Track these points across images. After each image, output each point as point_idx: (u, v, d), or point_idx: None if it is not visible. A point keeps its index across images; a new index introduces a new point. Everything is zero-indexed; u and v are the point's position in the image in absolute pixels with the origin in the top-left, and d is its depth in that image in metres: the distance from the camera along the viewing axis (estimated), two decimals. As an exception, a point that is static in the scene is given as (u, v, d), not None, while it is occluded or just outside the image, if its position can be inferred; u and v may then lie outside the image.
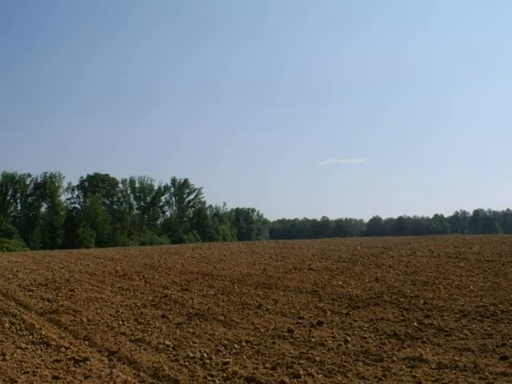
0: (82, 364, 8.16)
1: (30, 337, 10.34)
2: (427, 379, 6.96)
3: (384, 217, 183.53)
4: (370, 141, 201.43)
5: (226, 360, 8.13)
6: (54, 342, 9.73)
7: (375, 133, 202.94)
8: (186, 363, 8.05)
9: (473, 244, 30.29)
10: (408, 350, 8.48)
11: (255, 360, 8.20)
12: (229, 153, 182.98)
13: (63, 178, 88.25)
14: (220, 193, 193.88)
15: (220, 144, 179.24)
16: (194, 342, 9.41)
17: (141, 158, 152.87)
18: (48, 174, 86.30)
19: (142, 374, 7.66)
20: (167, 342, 9.38)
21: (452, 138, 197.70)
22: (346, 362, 7.92)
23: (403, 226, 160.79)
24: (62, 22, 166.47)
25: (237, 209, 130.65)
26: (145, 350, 9.02)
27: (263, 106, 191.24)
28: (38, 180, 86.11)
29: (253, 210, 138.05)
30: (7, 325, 11.56)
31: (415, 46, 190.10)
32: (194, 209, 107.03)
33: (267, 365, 7.89)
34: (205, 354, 8.49)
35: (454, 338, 9.13)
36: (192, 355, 8.46)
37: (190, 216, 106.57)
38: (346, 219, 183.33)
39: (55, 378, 7.48)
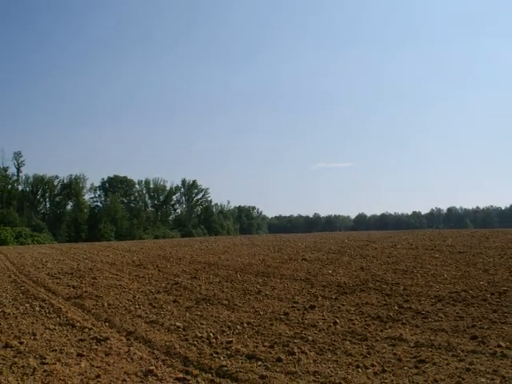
0: (103, 343, 8.16)
1: (58, 319, 10.34)
2: (406, 356, 6.96)
3: (368, 213, 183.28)
4: (356, 147, 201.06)
5: (230, 339, 8.12)
6: (78, 324, 9.73)
7: (361, 140, 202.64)
8: (195, 342, 8.05)
9: (446, 237, 30.27)
10: (389, 330, 8.48)
11: (255, 339, 8.20)
12: (232, 157, 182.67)
13: (87, 179, 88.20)
14: (224, 192, 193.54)
15: (224, 149, 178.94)
16: (202, 324, 9.41)
17: (155, 162, 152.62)
18: (73, 176, 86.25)
19: (156, 351, 7.66)
20: (178, 324, 9.38)
21: (428, 144, 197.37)
22: (335, 341, 7.91)
23: (385, 222, 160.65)
24: (87, 41, 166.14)
25: (239, 206, 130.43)
26: (158, 330, 9.01)
27: (263, 115, 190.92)
28: (65, 181, 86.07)
29: (253, 208, 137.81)
30: (37, 308, 11.56)
31: (397, 63, 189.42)
32: (202, 207, 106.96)
33: (266, 343, 7.88)
34: (211, 334, 8.49)
35: (430, 320, 9.13)
36: (200, 335, 8.46)
37: (198, 213, 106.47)
38: (335, 216, 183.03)
39: (79, 355, 7.47)
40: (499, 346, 7.24)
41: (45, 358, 7.25)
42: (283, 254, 23.58)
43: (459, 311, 9.71)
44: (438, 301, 10.84)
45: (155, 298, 12.61)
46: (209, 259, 22.50)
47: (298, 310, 10.55)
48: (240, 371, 6.52)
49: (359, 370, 6.48)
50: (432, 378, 6.05)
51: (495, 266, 15.88)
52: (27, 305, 12.05)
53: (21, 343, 8.17)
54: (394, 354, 7.08)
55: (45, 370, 6.70)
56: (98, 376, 6.46)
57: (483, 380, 5.90)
